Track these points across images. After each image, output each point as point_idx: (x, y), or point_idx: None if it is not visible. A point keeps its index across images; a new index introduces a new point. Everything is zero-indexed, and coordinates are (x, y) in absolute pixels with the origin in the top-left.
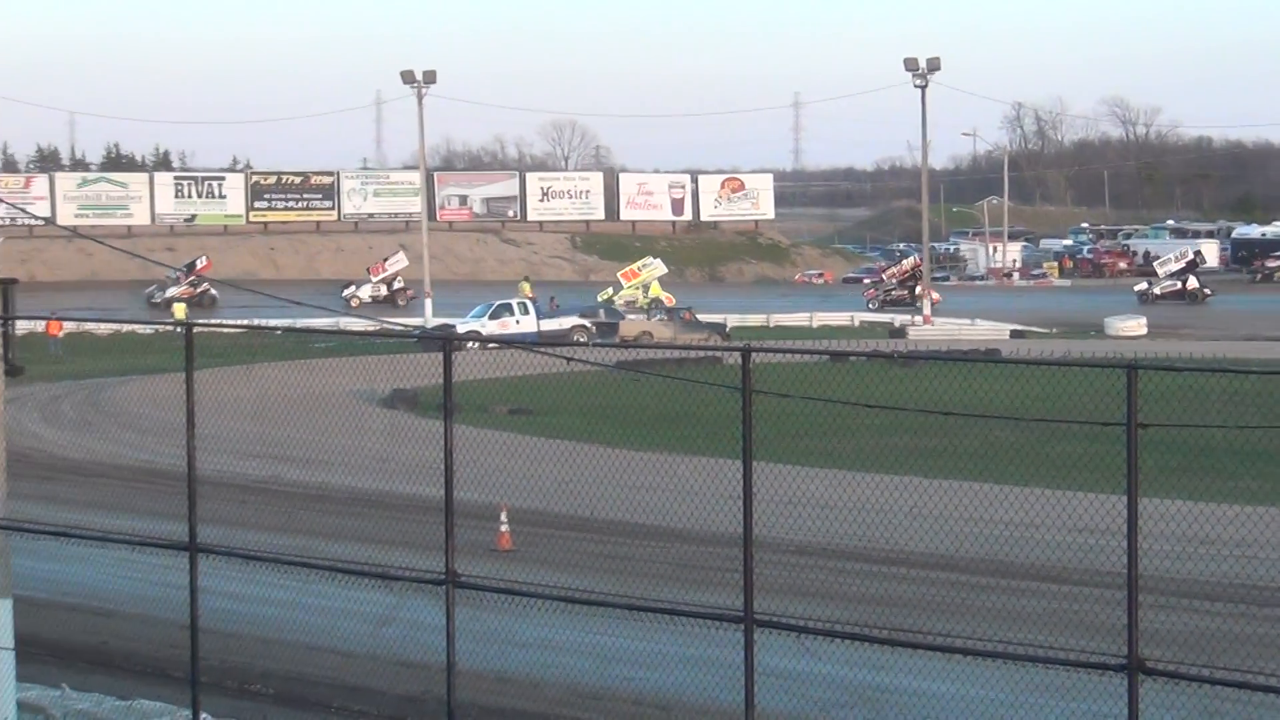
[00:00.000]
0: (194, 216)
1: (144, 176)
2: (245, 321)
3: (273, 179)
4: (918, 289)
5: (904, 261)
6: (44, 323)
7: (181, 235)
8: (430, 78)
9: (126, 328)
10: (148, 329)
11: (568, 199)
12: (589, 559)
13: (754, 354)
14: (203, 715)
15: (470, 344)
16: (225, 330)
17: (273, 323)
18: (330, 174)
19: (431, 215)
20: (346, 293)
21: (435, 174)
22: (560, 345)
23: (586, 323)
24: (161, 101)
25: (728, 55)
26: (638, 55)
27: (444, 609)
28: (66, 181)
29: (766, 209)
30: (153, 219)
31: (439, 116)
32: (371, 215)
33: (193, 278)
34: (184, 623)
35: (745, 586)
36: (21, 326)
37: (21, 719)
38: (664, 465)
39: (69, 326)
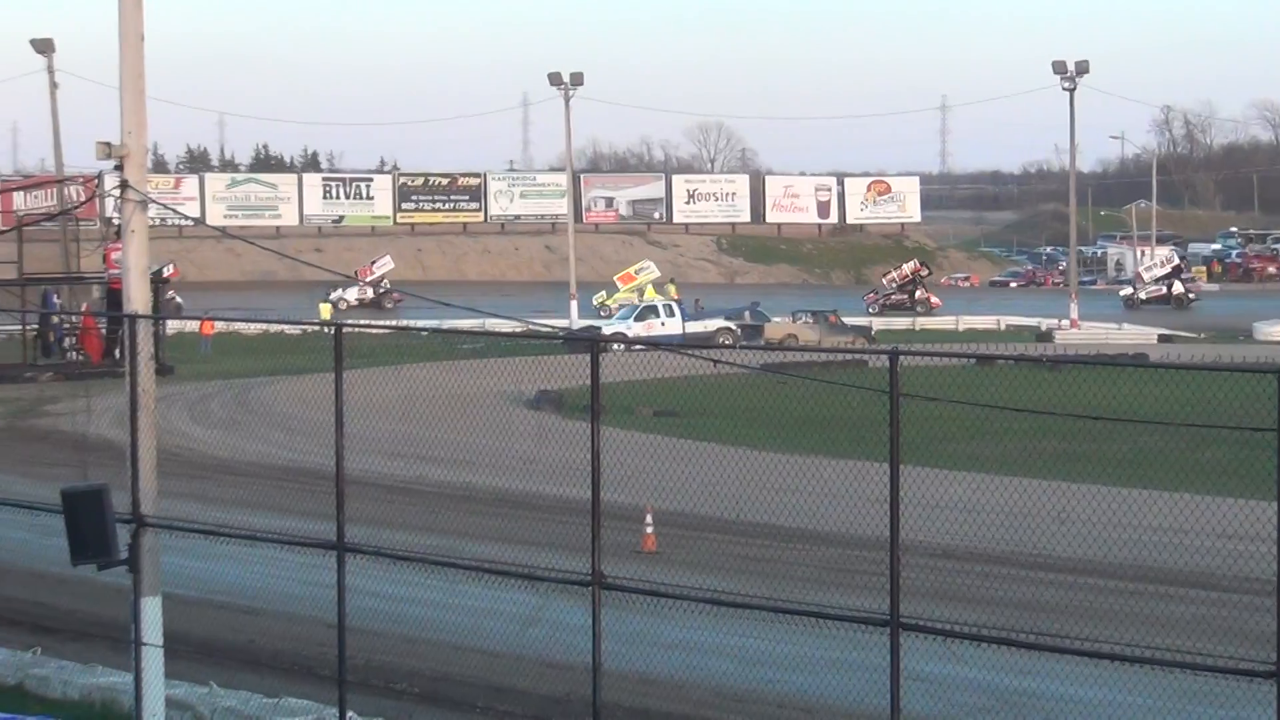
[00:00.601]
0: (342, 218)
1: (292, 178)
2: (393, 322)
3: (420, 180)
4: (918, 293)
5: (904, 266)
6: (195, 322)
7: (329, 236)
8: (577, 80)
9: (275, 328)
10: (296, 329)
11: (714, 201)
12: (733, 561)
13: (901, 357)
14: (349, 714)
15: (616, 346)
16: (373, 331)
17: (420, 324)
18: (477, 175)
19: (578, 217)
20: (334, 296)
21: (581, 176)
22: (706, 347)
23: (732, 325)
24: (310, 103)
25: (875, 58)
26: (784, 57)
27: (589, 610)
28: (216, 182)
29: (913, 212)
30: (301, 220)
31: (586, 118)
32: (518, 217)
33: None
34: (330, 621)
35: (891, 590)
36: (171, 326)
37: (170, 716)
38: (809, 468)
39: (218, 326)
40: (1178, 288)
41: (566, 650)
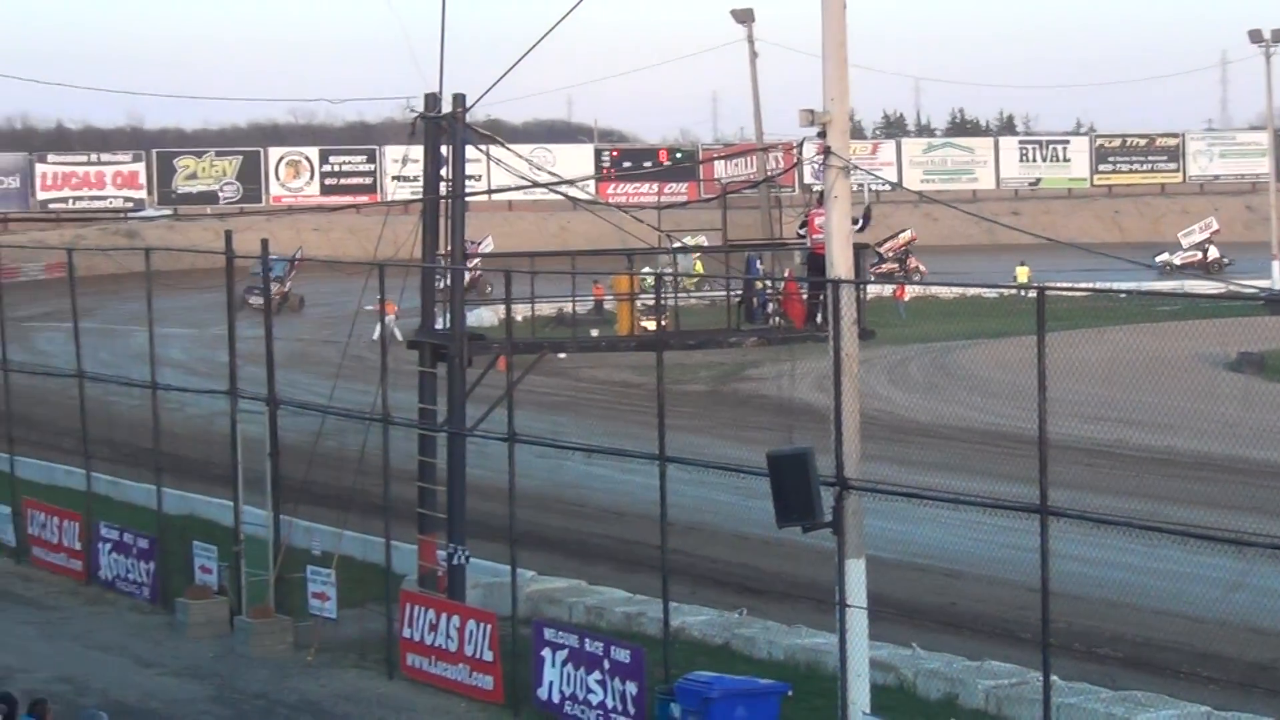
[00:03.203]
0: (1038, 180)
1: (988, 141)
2: (1092, 285)
3: (1117, 141)
4: (908, 261)
5: (900, 235)
6: (890, 287)
7: (1025, 199)
8: (1279, 36)
9: (972, 291)
10: (993, 293)
11: None
12: None
13: None
14: (1052, 677)
15: None
16: (1073, 294)
17: (1119, 286)
18: (1175, 135)
19: (1278, 176)
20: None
21: None
22: None
23: None
24: (1005, 66)
25: None
26: None
27: None
28: (912, 147)
29: None
30: (997, 183)
31: None
32: (1217, 177)
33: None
34: (1031, 585)
35: None
36: (870, 290)
37: (874, 677)
38: None
39: (913, 290)
40: (1213, 253)
41: (1273, 616)
